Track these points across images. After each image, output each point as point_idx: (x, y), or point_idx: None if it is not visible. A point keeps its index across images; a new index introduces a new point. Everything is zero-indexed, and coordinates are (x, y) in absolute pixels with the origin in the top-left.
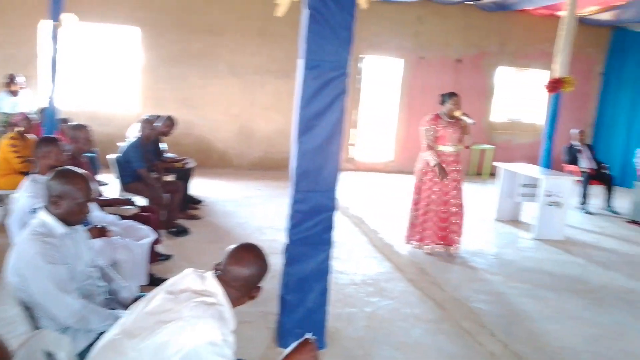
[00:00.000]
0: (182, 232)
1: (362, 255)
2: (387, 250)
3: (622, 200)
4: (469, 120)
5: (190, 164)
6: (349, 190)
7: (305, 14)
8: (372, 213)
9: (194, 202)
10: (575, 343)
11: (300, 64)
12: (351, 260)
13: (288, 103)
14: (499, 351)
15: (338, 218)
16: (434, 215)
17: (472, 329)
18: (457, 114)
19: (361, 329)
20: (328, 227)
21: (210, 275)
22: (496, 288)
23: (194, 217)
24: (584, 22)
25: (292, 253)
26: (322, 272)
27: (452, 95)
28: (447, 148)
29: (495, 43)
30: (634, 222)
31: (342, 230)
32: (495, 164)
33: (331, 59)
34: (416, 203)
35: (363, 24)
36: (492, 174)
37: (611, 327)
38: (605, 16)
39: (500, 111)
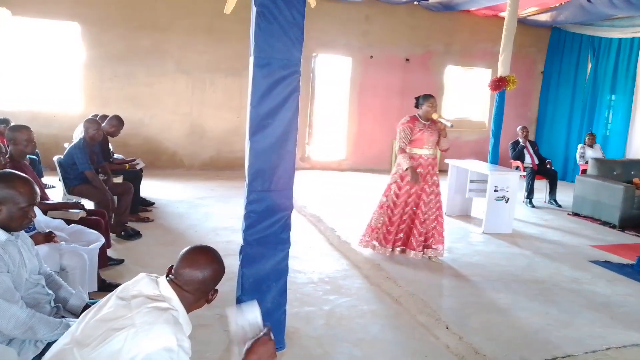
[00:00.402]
0: (133, 235)
1: (320, 254)
2: (343, 248)
3: (565, 194)
4: (447, 123)
5: (140, 164)
6: (305, 189)
7: (253, 11)
8: (329, 211)
9: (145, 204)
10: (526, 332)
11: (251, 62)
12: (309, 259)
13: (240, 101)
14: (454, 343)
15: (295, 217)
16: (410, 221)
17: (427, 322)
18: (434, 116)
19: (320, 328)
20: (285, 226)
21: (163, 280)
22: (449, 282)
23: (145, 220)
24: (524, 23)
25: (248, 254)
26: (280, 272)
27: (427, 97)
28: (423, 151)
29: (441, 43)
30: (576, 214)
31: (299, 229)
32: (446, 160)
33: (282, 57)
34: (388, 207)
35: (313, 22)
36: (442, 171)
37: (558, 315)
38: (544, 17)
39: (449, 109)
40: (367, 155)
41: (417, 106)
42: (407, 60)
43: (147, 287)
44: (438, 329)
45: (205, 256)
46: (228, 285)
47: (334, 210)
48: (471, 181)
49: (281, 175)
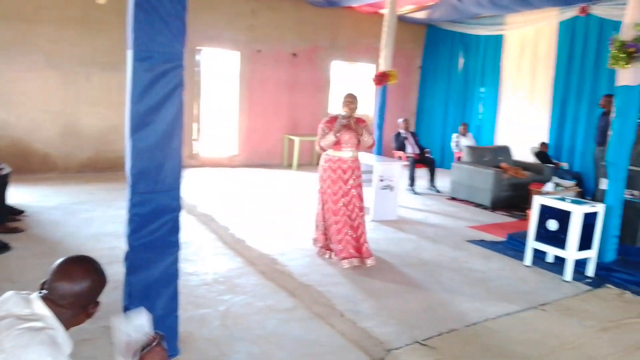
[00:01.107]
0: (0, 248)
1: (212, 254)
2: (238, 245)
3: (443, 180)
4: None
5: (5, 170)
6: (195, 187)
7: (131, 2)
8: (221, 209)
9: (14, 212)
10: (416, 312)
11: (129, 55)
12: (201, 260)
13: (119, 97)
14: (349, 330)
15: (184, 218)
16: (341, 227)
17: (323, 312)
18: (344, 112)
19: (216, 329)
20: (174, 228)
21: (35, 297)
22: (342, 270)
23: (14, 230)
24: (403, 20)
25: (135, 260)
26: (170, 276)
27: (345, 95)
28: (342, 153)
29: (326, 38)
30: (454, 198)
31: (189, 230)
32: None
33: (163, 50)
34: (321, 213)
35: (197, 15)
36: None
37: (442, 294)
38: (420, 15)
39: (336, 104)
40: (259, 150)
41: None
42: (294, 55)
43: (16, 306)
44: (333, 318)
45: (80, 267)
46: (115, 294)
47: (226, 208)
48: None
49: (167, 174)
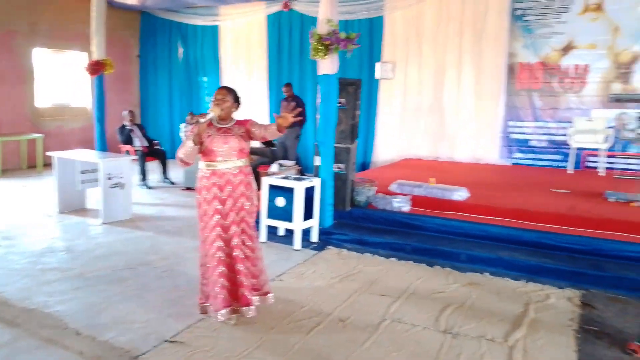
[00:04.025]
0: None
1: None
2: None
3: (176, 171)
4: (210, 115)
5: None
6: None
7: None
8: None
9: None
10: (161, 310)
11: None
12: None
13: None
14: (88, 347)
15: None
16: (217, 262)
17: (54, 335)
18: (212, 112)
19: None
20: None
21: None
22: (73, 284)
23: None
24: (113, 6)
25: None
26: None
27: (216, 91)
28: (217, 165)
29: (25, 22)
30: (189, 188)
31: None
32: (48, 153)
33: None
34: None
35: None
36: (48, 165)
37: (187, 286)
38: (132, 1)
39: (44, 96)
40: None
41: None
42: None
43: None
44: (67, 338)
45: None
46: None
47: None
48: (82, 172)
49: None
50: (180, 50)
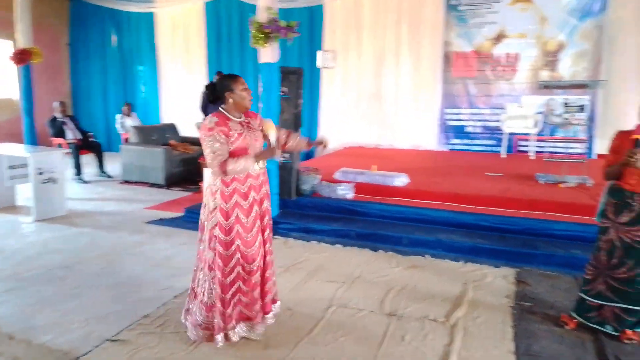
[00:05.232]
0: None
1: None
2: None
3: (113, 164)
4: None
5: None
6: None
7: None
8: None
9: None
10: (101, 309)
11: None
12: None
13: None
14: (23, 351)
15: None
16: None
17: None
18: (273, 132)
19: None
20: None
21: None
22: (5, 286)
23: None
24: None
25: None
26: None
27: (234, 78)
28: (254, 166)
29: None
30: (127, 181)
31: None
32: None
33: None
34: (224, 261)
35: None
36: None
37: (128, 282)
38: None
39: None
40: None
41: (217, 96)
42: None
43: None
44: (0, 344)
45: None
46: None
47: None
48: (10, 167)
49: None
50: (114, 39)
